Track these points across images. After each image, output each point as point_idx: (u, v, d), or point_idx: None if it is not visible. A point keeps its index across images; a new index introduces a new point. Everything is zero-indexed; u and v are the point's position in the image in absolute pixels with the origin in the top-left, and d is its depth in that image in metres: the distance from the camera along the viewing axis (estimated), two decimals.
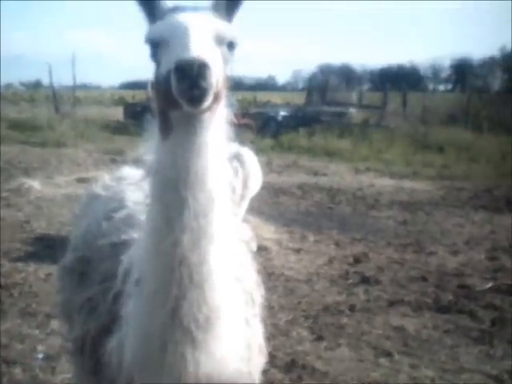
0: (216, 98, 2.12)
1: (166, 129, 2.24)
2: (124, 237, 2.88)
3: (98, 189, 3.63)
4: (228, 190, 2.36)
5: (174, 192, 2.21)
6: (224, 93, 2.20)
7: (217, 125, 2.27)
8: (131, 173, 3.58)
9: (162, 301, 2.27)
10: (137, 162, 2.59)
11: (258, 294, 2.97)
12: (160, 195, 2.28)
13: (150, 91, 2.42)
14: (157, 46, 2.19)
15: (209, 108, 2.11)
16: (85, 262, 3.05)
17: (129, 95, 54.38)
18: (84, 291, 2.93)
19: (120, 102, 48.36)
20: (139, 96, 42.43)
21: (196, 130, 2.20)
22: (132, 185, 3.33)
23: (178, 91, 2.01)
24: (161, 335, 2.30)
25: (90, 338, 2.76)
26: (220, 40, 2.20)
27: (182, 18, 2.18)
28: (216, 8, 2.30)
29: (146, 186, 2.47)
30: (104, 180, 3.73)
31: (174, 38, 2.11)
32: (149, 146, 2.42)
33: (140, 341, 2.37)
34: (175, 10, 2.27)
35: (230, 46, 2.26)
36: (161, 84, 2.14)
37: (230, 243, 2.41)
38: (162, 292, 2.27)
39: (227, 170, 2.36)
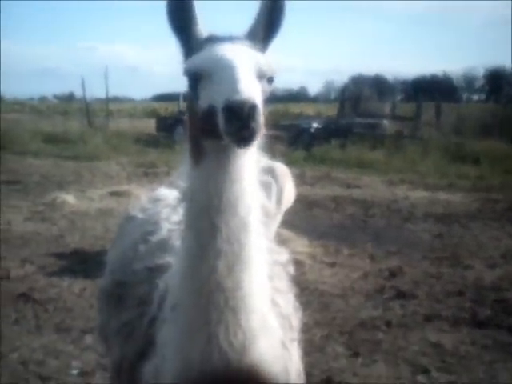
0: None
1: (198, 155, 2.26)
2: (160, 261, 2.89)
3: (134, 211, 3.66)
4: (260, 214, 2.37)
5: (207, 218, 2.24)
6: (264, 126, 2.20)
7: (250, 152, 2.28)
8: (167, 194, 3.59)
9: (199, 326, 2.29)
10: (172, 183, 2.60)
11: (296, 318, 2.94)
12: (193, 222, 2.31)
13: (184, 118, 2.43)
14: (197, 78, 2.18)
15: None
16: (121, 286, 3.07)
17: (161, 108, 54.71)
18: (120, 315, 2.95)
19: (152, 114, 48.58)
20: (172, 108, 42.70)
21: (229, 157, 2.22)
22: (168, 207, 3.33)
23: (227, 132, 2.01)
24: (199, 361, 2.30)
25: (127, 362, 2.78)
26: (261, 75, 2.20)
27: (223, 50, 2.17)
28: (252, 36, 2.31)
29: (181, 210, 2.48)
30: (140, 202, 3.76)
31: (218, 74, 2.10)
32: (182, 170, 2.44)
33: (179, 366, 2.37)
34: (212, 40, 2.26)
35: (270, 80, 2.27)
36: (200, 117, 2.16)
37: (265, 267, 2.42)
38: (198, 318, 2.29)
39: (259, 193, 2.37)
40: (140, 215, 3.55)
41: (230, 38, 2.26)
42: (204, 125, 2.16)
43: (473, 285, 8.46)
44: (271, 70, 2.25)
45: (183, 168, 2.45)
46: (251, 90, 2.01)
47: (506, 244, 10.92)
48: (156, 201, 3.63)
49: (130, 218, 3.66)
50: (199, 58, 2.20)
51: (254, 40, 2.30)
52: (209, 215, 2.23)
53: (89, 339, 6.31)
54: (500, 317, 7.19)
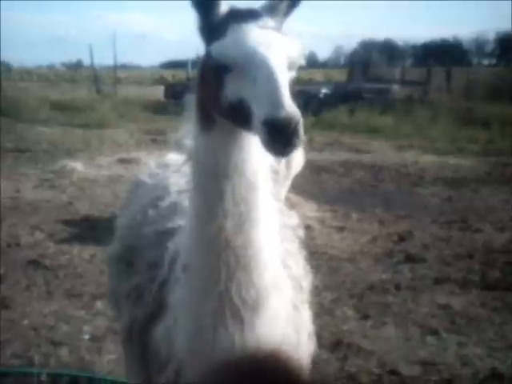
0: None
1: (207, 123, 2.25)
2: (169, 224, 2.89)
3: (143, 176, 3.65)
4: (268, 176, 2.35)
5: (214, 181, 2.25)
6: None
7: None
8: (176, 159, 3.57)
9: (210, 285, 2.30)
10: (179, 147, 2.58)
11: (307, 280, 2.94)
12: (200, 183, 2.31)
13: (194, 88, 2.36)
14: (225, 66, 2.09)
15: None
16: (131, 251, 3.07)
17: (169, 75, 54.42)
18: (131, 279, 2.96)
19: (160, 81, 48.27)
20: (179, 75, 42.46)
21: (239, 130, 2.20)
22: (177, 172, 3.32)
23: (268, 146, 1.96)
24: (212, 320, 2.32)
25: (138, 325, 2.79)
26: (291, 66, 2.15)
27: (255, 41, 2.07)
28: (273, 9, 2.25)
29: (187, 172, 2.47)
30: (149, 167, 3.75)
31: (253, 73, 2.01)
32: (188, 130, 2.42)
33: (192, 325, 2.39)
34: (236, 17, 2.16)
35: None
36: (227, 107, 2.10)
37: (274, 228, 2.41)
38: (210, 276, 2.30)
39: (268, 159, 2.34)
40: (149, 181, 3.54)
41: (254, 16, 2.17)
42: (230, 114, 2.12)
43: (482, 248, 8.45)
44: (301, 59, 2.20)
45: (187, 127, 2.43)
46: (292, 103, 1.94)
47: None
48: (165, 166, 3.63)
49: (138, 184, 3.65)
50: (229, 46, 2.09)
51: (275, 13, 2.24)
52: (216, 178, 2.24)
53: (99, 304, 6.36)
54: (509, 279, 7.19)
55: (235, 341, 2.32)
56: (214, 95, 2.15)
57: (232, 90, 2.08)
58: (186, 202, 2.71)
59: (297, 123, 1.89)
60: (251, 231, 2.27)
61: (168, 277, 2.61)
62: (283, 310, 2.48)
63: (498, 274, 7.36)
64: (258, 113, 1.94)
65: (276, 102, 1.90)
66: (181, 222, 2.77)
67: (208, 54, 2.17)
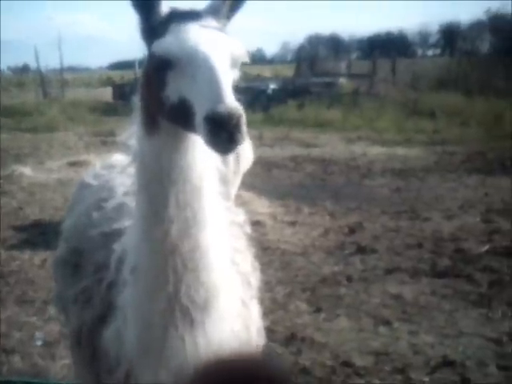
0: None
1: (152, 127, 2.22)
2: (115, 226, 2.86)
3: (88, 178, 3.60)
4: (215, 177, 2.35)
5: (159, 186, 2.23)
6: None
7: None
8: (121, 160, 3.53)
9: (159, 287, 2.29)
10: (125, 148, 2.55)
11: (255, 276, 2.96)
12: (145, 188, 2.30)
13: (139, 93, 2.33)
14: (166, 64, 2.07)
15: None
16: (77, 253, 3.04)
17: (117, 76, 53.85)
18: (78, 282, 2.92)
19: (108, 82, 47.76)
20: (128, 76, 42.08)
21: (184, 133, 2.19)
22: (122, 173, 3.29)
23: (210, 142, 1.94)
24: (161, 320, 2.32)
25: (86, 328, 2.76)
26: (234, 64, 2.14)
27: (196, 38, 2.07)
28: (215, 11, 2.24)
29: (132, 175, 2.45)
30: (94, 169, 3.70)
31: (194, 69, 2.01)
32: (132, 132, 2.39)
33: (141, 328, 2.38)
34: (177, 17, 2.15)
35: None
36: (168, 107, 2.09)
37: (222, 228, 2.41)
38: (158, 279, 2.29)
39: (213, 158, 2.33)
40: (94, 182, 3.51)
41: (195, 16, 2.16)
42: (172, 115, 2.10)
43: (431, 236, 8.59)
44: (243, 57, 2.19)
45: (132, 133, 2.41)
46: (234, 99, 1.93)
47: (462, 195, 11.10)
48: (110, 167, 3.59)
49: (83, 186, 3.61)
50: (170, 44, 2.08)
51: (218, 14, 2.23)
52: (161, 183, 2.22)
53: (51, 310, 6.25)
54: (458, 266, 7.32)
55: (185, 340, 2.32)
56: (156, 97, 2.13)
57: (174, 89, 2.07)
58: (132, 203, 2.69)
59: (238, 118, 1.89)
60: (198, 235, 2.27)
61: (116, 278, 2.58)
62: (233, 307, 2.49)
63: (448, 262, 7.48)
64: (200, 110, 1.93)
65: (216, 98, 1.90)
66: (127, 223, 2.74)
67: (150, 55, 2.16)
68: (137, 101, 2.34)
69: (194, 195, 2.24)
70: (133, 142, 2.40)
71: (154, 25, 2.18)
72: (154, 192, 2.25)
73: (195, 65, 2.00)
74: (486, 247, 7.95)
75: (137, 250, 2.39)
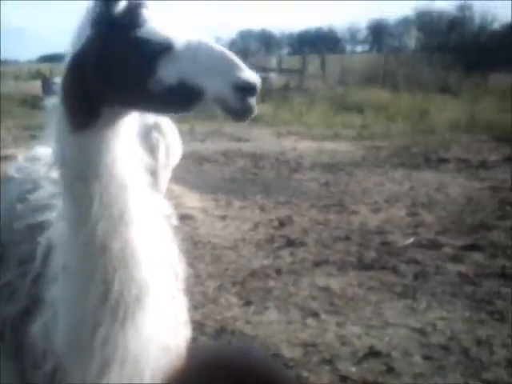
0: None
1: (85, 121, 2.19)
2: (40, 218, 2.83)
3: (11, 171, 3.53)
4: (140, 173, 2.35)
5: (84, 184, 2.22)
6: None
7: (131, 117, 2.30)
8: (45, 152, 3.48)
9: (91, 285, 2.29)
10: (48, 140, 2.51)
11: (181, 268, 2.97)
12: (70, 186, 2.28)
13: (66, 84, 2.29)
14: (157, 51, 2.09)
15: None
16: (1, 247, 2.98)
17: (46, 69, 52.53)
18: (2, 275, 2.87)
19: (38, 76, 46.53)
20: (57, 70, 41.14)
21: (118, 126, 2.22)
22: (46, 165, 3.24)
23: (240, 110, 2.09)
24: (93, 317, 2.32)
25: (10, 322, 2.73)
26: None
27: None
28: None
29: (56, 173, 2.43)
30: (17, 162, 3.64)
31: (196, 52, 2.09)
32: (53, 134, 2.35)
33: (72, 324, 2.37)
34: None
35: None
36: (164, 91, 2.10)
37: (151, 223, 2.42)
38: (90, 278, 2.29)
39: (138, 153, 2.35)
40: (17, 175, 3.43)
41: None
42: (166, 97, 2.11)
43: (358, 229, 8.76)
44: None
45: (53, 131, 2.36)
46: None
47: (389, 189, 11.35)
48: (33, 160, 3.52)
49: (6, 179, 3.54)
50: (163, 30, 2.12)
51: None
52: (86, 181, 2.21)
53: None
54: (384, 258, 7.50)
55: (117, 336, 2.34)
56: (124, 84, 2.14)
57: (170, 72, 2.08)
58: (57, 195, 2.67)
59: (260, 82, 2.09)
60: (127, 233, 2.27)
61: (42, 272, 2.56)
62: (163, 302, 2.50)
63: (374, 255, 7.65)
64: (215, 85, 2.05)
65: (238, 68, 2.06)
66: (52, 215, 2.72)
67: (110, 43, 2.13)
68: (59, 97, 2.28)
69: (120, 191, 2.24)
70: (53, 142, 2.36)
71: (114, 12, 2.12)
72: (79, 191, 2.23)
73: (197, 48, 2.10)
74: (411, 240, 8.15)
75: (66, 250, 2.37)
